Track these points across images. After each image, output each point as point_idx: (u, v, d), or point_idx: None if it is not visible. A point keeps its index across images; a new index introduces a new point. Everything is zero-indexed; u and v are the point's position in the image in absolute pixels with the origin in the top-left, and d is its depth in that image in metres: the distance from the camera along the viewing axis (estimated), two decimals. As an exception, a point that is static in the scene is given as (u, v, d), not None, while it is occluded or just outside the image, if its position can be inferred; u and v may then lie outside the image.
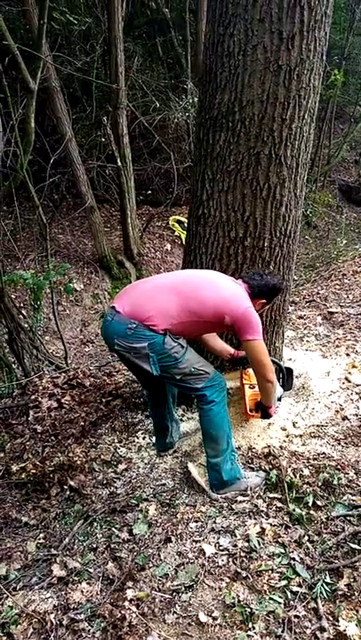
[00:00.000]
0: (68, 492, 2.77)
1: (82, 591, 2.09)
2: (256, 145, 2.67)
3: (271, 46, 2.52)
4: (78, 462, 2.94)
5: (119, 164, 7.41)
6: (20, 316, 4.35)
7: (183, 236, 8.40)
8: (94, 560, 2.26)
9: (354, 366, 3.54)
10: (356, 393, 3.23)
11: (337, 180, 13.13)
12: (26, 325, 4.34)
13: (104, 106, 8.09)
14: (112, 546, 2.32)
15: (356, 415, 3.01)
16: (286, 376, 2.97)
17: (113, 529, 2.42)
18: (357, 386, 3.30)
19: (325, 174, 12.51)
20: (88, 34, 8.36)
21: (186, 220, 8.06)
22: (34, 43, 4.51)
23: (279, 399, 2.95)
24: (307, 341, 4.25)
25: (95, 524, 2.49)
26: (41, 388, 3.95)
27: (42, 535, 2.50)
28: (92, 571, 2.20)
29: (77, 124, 8.04)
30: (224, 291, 2.38)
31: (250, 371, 2.87)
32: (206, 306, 2.33)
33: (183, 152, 9.05)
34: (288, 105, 2.61)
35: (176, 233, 9.11)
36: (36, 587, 2.16)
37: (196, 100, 8.29)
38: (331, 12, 2.68)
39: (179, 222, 9.15)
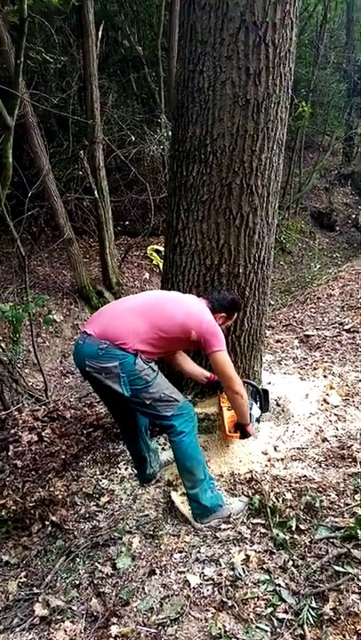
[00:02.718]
0: (49, 528, 2.71)
1: (65, 630, 2.04)
2: (228, 176, 2.75)
3: (239, 82, 2.64)
4: (60, 496, 2.88)
5: (97, 196, 7.52)
6: (-1, 349, 4.32)
7: (161, 265, 8.49)
8: (77, 597, 2.20)
9: (331, 388, 3.58)
10: (335, 414, 3.26)
11: (309, 207, 13.50)
12: (5, 358, 4.30)
13: (81, 140, 8.23)
14: (95, 581, 2.27)
15: (336, 436, 3.03)
16: (263, 398, 3.00)
17: (96, 564, 2.37)
18: (335, 407, 3.34)
19: (297, 201, 12.85)
20: (64, 71, 8.56)
21: (163, 249, 8.15)
22: (11, 81, 4.61)
23: (258, 420, 2.97)
24: (285, 365, 4.29)
25: (78, 559, 2.44)
26: (21, 421, 3.90)
27: (23, 574, 2.44)
28: (75, 608, 2.14)
29: (55, 158, 8.16)
30: (189, 307, 2.51)
31: None
32: (174, 322, 2.41)
33: (159, 183, 9.22)
34: (257, 137, 2.71)
35: (154, 262, 9.21)
36: (18, 628, 2.09)
37: (170, 133, 8.50)
38: (294, 49, 2.82)
39: (157, 251, 9.25)
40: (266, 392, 3.05)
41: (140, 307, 2.48)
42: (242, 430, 2.69)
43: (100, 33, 7.71)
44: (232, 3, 2.56)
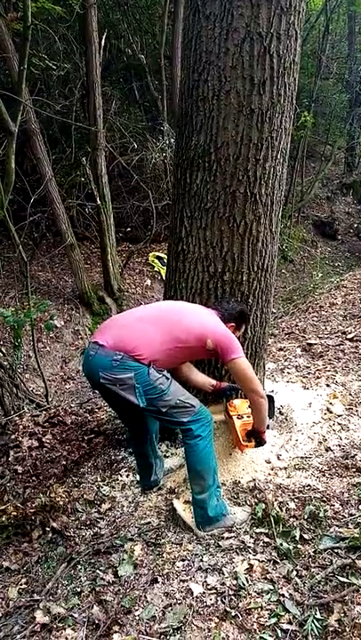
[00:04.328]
0: (50, 535, 2.70)
1: (66, 638, 2.02)
2: (232, 184, 2.76)
3: (244, 91, 2.65)
4: (61, 503, 2.87)
5: (99, 202, 7.55)
6: (0, 353, 4.31)
7: (163, 272, 8.51)
8: (79, 604, 2.19)
9: (335, 397, 3.58)
10: (338, 423, 3.25)
11: (311, 216, 13.54)
12: (5, 363, 4.29)
13: (83, 147, 8.27)
14: (97, 589, 2.25)
15: (339, 446, 3.03)
16: (268, 403, 2.99)
17: (97, 571, 2.35)
18: (339, 416, 3.33)
19: (299, 210, 12.90)
20: (67, 78, 8.61)
21: (165, 256, 8.18)
22: (14, 87, 4.64)
23: (267, 427, 2.96)
24: (288, 373, 4.29)
25: (79, 566, 2.42)
26: (21, 427, 3.88)
27: (24, 580, 2.42)
28: (76, 616, 2.13)
29: (57, 165, 8.19)
30: (204, 317, 2.52)
31: (235, 402, 2.89)
32: (190, 331, 2.41)
33: (161, 190, 9.25)
34: (261, 146, 2.72)
35: (156, 268, 9.22)
36: (18, 635, 2.07)
37: (172, 140, 8.55)
38: (299, 59, 2.83)
39: (158, 258, 9.27)
40: (271, 398, 3.04)
41: (154, 317, 2.47)
42: (257, 438, 2.67)
43: (102, 41, 7.77)
44: (237, 13, 2.58)
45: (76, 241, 7.59)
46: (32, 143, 6.71)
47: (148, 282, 9.04)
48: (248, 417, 2.76)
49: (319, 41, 12.18)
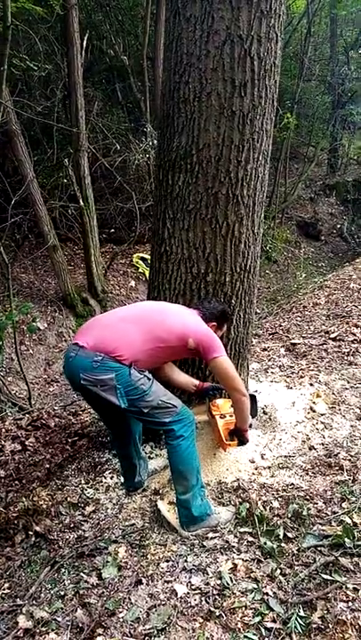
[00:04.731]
0: (33, 539, 2.67)
1: (50, 642, 2.00)
2: (214, 185, 2.78)
3: (225, 93, 2.66)
4: (44, 506, 2.85)
5: (82, 203, 7.52)
6: (-18, 357, 4.27)
7: (147, 273, 8.49)
8: (62, 608, 2.17)
9: (318, 396, 3.60)
10: (322, 422, 3.28)
11: (294, 217, 13.64)
12: (-12, 366, 4.26)
13: (65, 148, 8.23)
14: (81, 592, 2.23)
15: (323, 444, 3.05)
16: (251, 403, 3.01)
17: (81, 574, 2.34)
18: (322, 415, 3.36)
19: (283, 211, 12.99)
20: (48, 79, 8.56)
21: (149, 258, 8.18)
22: (-5, 88, 4.60)
23: (250, 426, 2.98)
24: (271, 373, 4.31)
25: (63, 569, 2.41)
26: (4, 430, 3.86)
27: (7, 585, 2.39)
28: (60, 619, 2.11)
29: (39, 166, 8.13)
30: (186, 317, 2.54)
31: (217, 401, 2.90)
32: (171, 331, 2.42)
33: (145, 191, 9.25)
34: (243, 148, 2.74)
35: (140, 270, 9.21)
36: (1, 641, 2.06)
37: (155, 142, 8.55)
38: (279, 62, 2.86)
39: (142, 259, 9.26)
40: (254, 397, 3.07)
41: (135, 318, 2.47)
42: (239, 437, 2.69)
43: (84, 42, 7.74)
44: (217, 16, 2.60)
45: (58, 242, 7.55)
46: (13, 144, 6.66)
47: (133, 283, 9.03)
48: (231, 416, 2.77)
49: (301, 43, 12.28)
